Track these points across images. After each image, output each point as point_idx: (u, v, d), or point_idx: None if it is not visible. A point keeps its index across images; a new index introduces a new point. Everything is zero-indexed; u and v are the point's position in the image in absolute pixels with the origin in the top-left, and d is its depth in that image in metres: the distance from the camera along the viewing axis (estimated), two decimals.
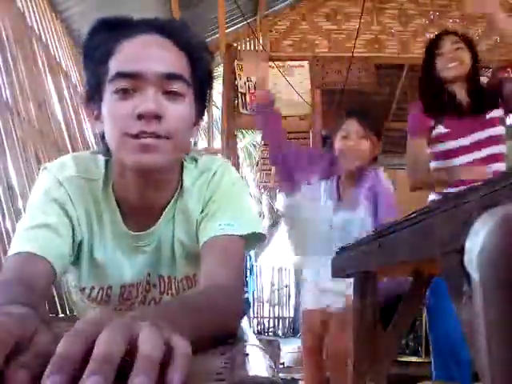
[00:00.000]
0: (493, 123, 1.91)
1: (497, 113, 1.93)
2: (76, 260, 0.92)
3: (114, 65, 0.79)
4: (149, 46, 0.80)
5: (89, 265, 0.93)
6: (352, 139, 1.90)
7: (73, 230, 0.87)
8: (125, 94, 0.78)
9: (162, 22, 0.84)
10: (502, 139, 1.93)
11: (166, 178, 0.88)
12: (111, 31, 0.81)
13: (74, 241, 0.87)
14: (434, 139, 1.97)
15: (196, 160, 0.97)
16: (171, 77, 0.79)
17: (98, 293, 0.95)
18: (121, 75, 0.77)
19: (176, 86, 0.80)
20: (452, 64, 1.92)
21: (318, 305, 1.96)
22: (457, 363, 1.96)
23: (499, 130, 1.93)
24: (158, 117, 0.77)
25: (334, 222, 1.92)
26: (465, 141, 1.91)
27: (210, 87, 0.90)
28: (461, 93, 1.95)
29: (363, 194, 1.90)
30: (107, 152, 0.86)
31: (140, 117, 0.76)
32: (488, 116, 1.91)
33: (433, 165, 2.01)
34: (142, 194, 0.87)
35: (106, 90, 0.80)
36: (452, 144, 1.92)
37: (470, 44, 1.98)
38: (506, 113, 1.96)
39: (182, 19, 0.90)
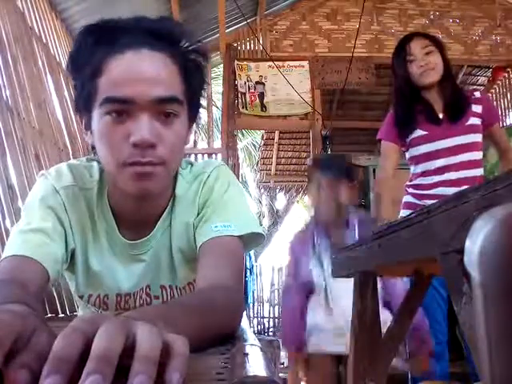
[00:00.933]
0: (472, 130, 1.90)
1: (476, 120, 1.91)
2: (72, 268, 0.93)
3: (104, 86, 0.75)
4: (139, 66, 0.75)
5: (84, 273, 0.93)
6: (326, 190, 1.80)
7: (65, 237, 0.87)
8: (117, 116, 0.75)
9: (152, 30, 0.78)
10: (480, 145, 1.92)
11: (161, 193, 0.88)
12: (98, 43, 0.76)
13: (66, 248, 0.88)
14: (412, 143, 1.94)
15: (191, 164, 0.96)
16: (165, 100, 0.76)
17: (96, 300, 0.96)
18: (112, 101, 0.74)
19: (170, 108, 0.77)
20: (426, 71, 1.87)
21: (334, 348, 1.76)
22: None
23: (478, 136, 1.92)
24: (153, 145, 0.75)
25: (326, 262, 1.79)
26: (444, 143, 1.89)
27: (204, 90, 0.88)
28: (436, 99, 1.93)
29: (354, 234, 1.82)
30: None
31: (135, 145, 0.74)
32: (468, 123, 1.90)
33: (415, 170, 2.00)
34: (137, 206, 0.87)
35: (95, 106, 0.77)
36: (431, 146, 1.90)
37: (440, 46, 1.93)
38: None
39: (174, 20, 0.82)
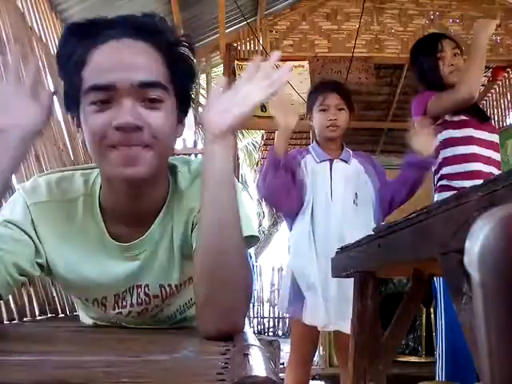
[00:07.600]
0: (496, 131, 2.02)
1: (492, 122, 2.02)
2: (67, 281, 0.93)
3: (87, 76, 0.77)
4: (120, 53, 0.77)
5: (81, 283, 0.92)
6: (331, 113, 1.93)
7: (35, 247, 0.87)
8: (101, 105, 0.76)
9: (135, 22, 0.80)
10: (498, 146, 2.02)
11: (154, 185, 0.87)
12: (81, 38, 0.78)
13: (37, 257, 0.87)
14: (455, 124, 1.97)
15: (189, 163, 0.96)
16: (147, 85, 0.77)
17: (94, 302, 0.96)
18: (94, 88, 0.75)
19: (153, 93, 0.77)
20: (453, 72, 1.97)
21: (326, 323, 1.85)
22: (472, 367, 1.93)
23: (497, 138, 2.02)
24: (138, 128, 0.75)
25: (333, 174, 1.91)
26: (478, 133, 1.95)
27: (193, 82, 0.89)
28: None
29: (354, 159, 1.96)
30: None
31: (118, 129, 0.75)
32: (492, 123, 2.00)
33: (449, 153, 2.00)
34: (131, 203, 0.86)
35: (82, 100, 0.78)
36: (473, 132, 1.96)
37: (462, 51, 2.04)
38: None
39: (157, 15, 0.85)
